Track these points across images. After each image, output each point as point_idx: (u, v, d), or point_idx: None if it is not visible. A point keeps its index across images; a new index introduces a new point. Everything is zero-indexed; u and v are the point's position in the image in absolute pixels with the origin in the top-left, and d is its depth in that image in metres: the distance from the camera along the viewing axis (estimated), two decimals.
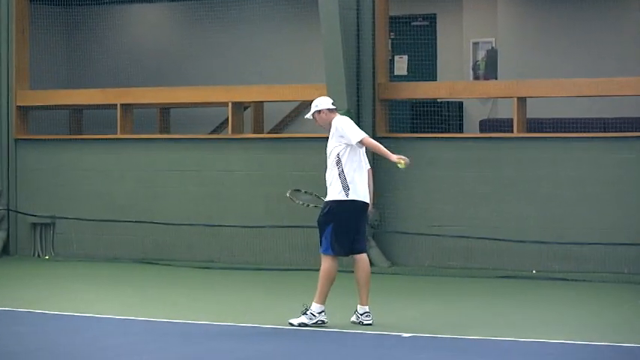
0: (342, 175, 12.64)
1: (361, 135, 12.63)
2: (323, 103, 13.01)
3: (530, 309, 14.49)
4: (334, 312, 12.77)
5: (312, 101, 12.73)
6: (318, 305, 12.58)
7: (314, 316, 12.56)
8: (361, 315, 12.74)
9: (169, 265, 18.89)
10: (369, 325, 12.66)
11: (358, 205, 12.71)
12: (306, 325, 12.54)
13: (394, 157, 12.50)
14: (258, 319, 13.31)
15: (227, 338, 12.35)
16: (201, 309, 14.29)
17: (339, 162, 12.66)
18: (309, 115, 13.15)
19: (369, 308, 12.78)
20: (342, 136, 12.70)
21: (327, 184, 12.75)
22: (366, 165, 12.92)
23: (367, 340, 12.10)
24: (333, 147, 12.77)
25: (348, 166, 12.65)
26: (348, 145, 12.65)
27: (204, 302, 15.11)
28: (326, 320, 12.58)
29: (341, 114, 17.32)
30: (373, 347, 11.80)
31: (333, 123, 12.83)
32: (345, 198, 12.62)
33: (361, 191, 12.71)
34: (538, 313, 14.18)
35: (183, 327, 13.05)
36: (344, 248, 12.66)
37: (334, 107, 13.05)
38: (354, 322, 12.76)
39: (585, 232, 17.30)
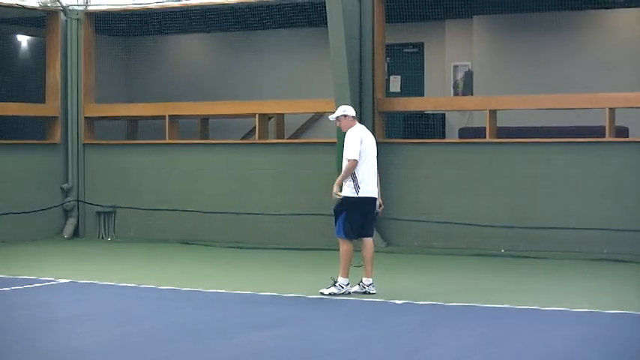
0: (354, 175, 12.65)
1: (349, 157, 12.61)
2: (349, 110, 12.94)
3: (500, 281, 14.55)
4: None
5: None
6: (344, 279, 12.69)
7: (342, 287, 12.66)
8: (367, 285, 12.79)
9: (207, 245, 18.93)
10: (374, 293, 12.71)
11: (366, 200, 12.74)
12: (335, 294, 12.62)
13: (335, 190, 12.70)
14: (279, 289, 13.37)
15: (254, 304, 12.42)
16: (232, 281, 14.34)
17: None
18: (333, 117, 13.11)
19: (373, 280, 12.86)
20: (345, 146, 12.72)
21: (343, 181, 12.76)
22: (374, 166, 12.87)
23: (367, 306, 12.15)
24: None
25: (359, 168, 12.65)
26: (360, 151, 12.67)
27: (235, 275, 15.16)
28: (352, 290, 12.67)
29: None
30: (372, 311, 11.86)
31: (348, 132, 12.80)
32: (356, 195, 12.65)
33: (370, 188, 12.74)
34: (506, 283, 14.25)
35: (217, 295, 13.12)
36: (354, 233, 12.71)
37: (355, 116, 13.02)
38: (356, 292, 12.77)
39: (543, 218, 17.35)
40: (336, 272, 12.80)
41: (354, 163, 12.60)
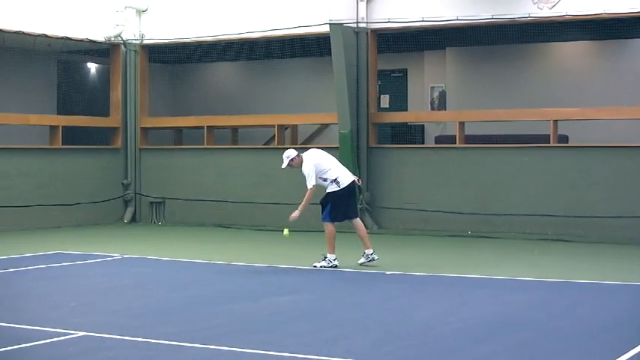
0: (330, 179, 12.54)
1: (308, 186, 12.34)
2: (292, 153, 12.65)
3: (467, 256, 14.51)
4: (341, 258, 12.80)
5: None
6: (332, 254, 12.58)
7: (330, 261, 12.57)
8: (370, 255, 12.67)
9: (236, 228, 18.93)
10: (378, 259, 12.63)
11: (347, 188, 12.60)
12: (325, 267, 12.56)
13: (294, 214, 12.35)
14: (293, 262, 13.33)
15: (274, 274, 12.39)
16: (257, 256, 14.32)
17: (325, 178, 12.54)
18: (284, 166, 12.70)
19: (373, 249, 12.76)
20: (304, 176, 12.48)
21: (325, 184, 12.60)
22: (337, 163, 12.75)
23: (362, 276, 12.13)
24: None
25: (330, 174, 12.54)
26: (321, 169, 12.50)
27: (259, 252, 15.15)
28: (338, 264, 12.59)
29: (345, 132, 17.50)
30: (367, 280, 11.84)
31: (302, 166, 12.52)
32: (339, 189, 12.56)
33: (346, 179, 12.61)
34: (472, 258, 14.21)
35: (245, 267, 13.09)
36: (338, 217, 12.60)
37: (297, 153, 12.71)
38: (362, 264, 12.66)
39: (501, 206, 17.35)
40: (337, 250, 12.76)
41: (312, 191, 12.36)
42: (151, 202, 20.38)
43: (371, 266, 12.68)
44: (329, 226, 12.55)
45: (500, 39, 19.63)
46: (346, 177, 12.65)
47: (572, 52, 20.70)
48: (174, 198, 20.18)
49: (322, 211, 12.65)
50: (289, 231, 12.80)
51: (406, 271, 12.40)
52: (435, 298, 10.44)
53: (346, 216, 12.70)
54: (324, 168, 12.55)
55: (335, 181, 12.53)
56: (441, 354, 7.59)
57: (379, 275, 12.11)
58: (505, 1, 16.95)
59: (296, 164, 12.62)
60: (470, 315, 9.27)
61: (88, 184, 19.76)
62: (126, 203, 20.50)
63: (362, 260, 12.76)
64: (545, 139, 17.26)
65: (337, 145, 17.76)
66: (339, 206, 12.55)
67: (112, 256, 14.07)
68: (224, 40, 20.03)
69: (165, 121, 21.68)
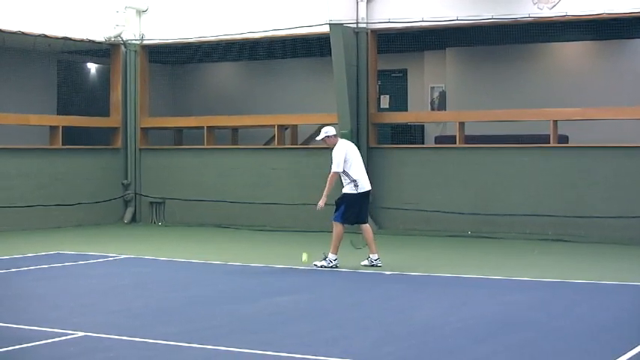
0: (350, 178, 12.56)
1: (333, 170, 12.48)
2: (331, 130, 12.76)
3: (467, 256, 14.49)
4: (342, 259, 12.79)
5: (326, 124, 12.69)
6: (333, 255, 12.58)
7: (331, 261, 12.57)
8: (374, 260, 12.69)
9: (236, 228, 18.92)
10: (380, 266, 12.62)
11: (363, 194, 12.65)
12: (325, 267, 12.55)
13: (321, 204, 12.49)
14: (292, 262, 13.29)
15: (273, 274, 12.38)
16: (257, 256, 14.30)
17: (345, 172, 12.58)
18: (319, 138, 12.88)
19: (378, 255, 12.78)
20: (332, 160, 12.58)
21: (343, 182, 12.67)
22: (362, 166, 12.79)
23: (362, 276, 12.12)
24: None
25: (352, 171, 12.56)
26: (347, 160, 12.56)
27: (259, 252, 15.12)
28: (338, 264, 12.59)
29: (345, 132, 17.49)
30: (366, 281, 11.81)
31: (334, 148, 12.63)
32: (356, 192, 12.56)
33: (365, 184, 12.64)
34: (471, 258, 14.19)
35: (245, 268, 13.09)
36: (350, 219, 12.64)
37: (336, 134, 12.87)
38: (365, 265, 12.68)
39: (501, 206, 17.35)
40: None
41: (336, 176, 12.51)
42: (151, 203, 20.38)
43: (367, 266, 12.68)
44: (339, 227, 12.57)
45: (501, 39, 19.62)
46: (365, 183, 12.67)
47: (572, 52, 20.71)
48: (174, 198, 20.18)
49: (335, 211, 12.65)
50: (308, 256, 12.81)
51: (406, 272, 12.39)
52: (435, 298, 10.43)
53: (358, 220, 12.73)
54: (350, 162, 12.55)
55: (354, 182, 12.53)
56: (441, 354, 7.59)
57: (379, 275, 12.11)
58: (505, 1, 16.96)
59: (330, 143, 12.69)
60: (470, 315, 9.26)
61: (88, 185, 19.75)
62: (126, 203, 20.50)
63: (365, 262, 12.77)
64: (545, 139, 17.25)
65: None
66: (353, 209, 12.56)
67: (112, 256, 14.07)
68: (224, 41, 20.03)
69: (166, 122, 21.68)
